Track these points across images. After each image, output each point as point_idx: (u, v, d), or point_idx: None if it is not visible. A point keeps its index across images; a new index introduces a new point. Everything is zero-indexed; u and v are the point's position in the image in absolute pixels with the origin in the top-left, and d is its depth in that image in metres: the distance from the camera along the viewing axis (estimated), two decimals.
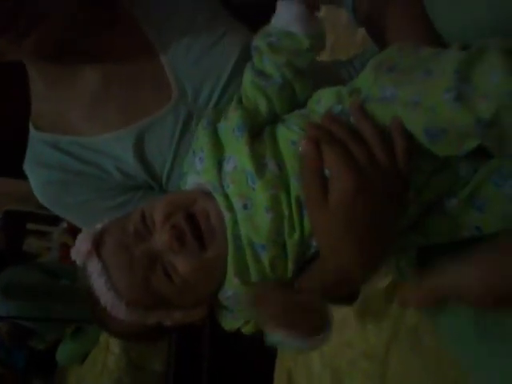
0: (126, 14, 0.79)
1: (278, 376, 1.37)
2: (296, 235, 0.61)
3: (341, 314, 1.06)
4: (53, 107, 0.80)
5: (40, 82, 0.81)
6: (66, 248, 3.62)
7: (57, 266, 3.02)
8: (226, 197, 0.62)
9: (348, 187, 0.54)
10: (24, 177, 0.84)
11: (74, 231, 3.52)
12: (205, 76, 0.76)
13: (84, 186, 0.78)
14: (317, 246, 0.62)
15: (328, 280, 0.64)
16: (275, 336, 0.59)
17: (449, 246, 0.66)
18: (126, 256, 0.62)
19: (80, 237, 0.65)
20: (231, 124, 0.66)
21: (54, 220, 3.64)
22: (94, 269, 0.62)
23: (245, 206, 0.61)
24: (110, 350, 2.54)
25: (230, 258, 0.61)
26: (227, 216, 0.61)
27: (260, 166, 0.61)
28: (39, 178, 0.81)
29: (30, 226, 3.89)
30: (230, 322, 0.68)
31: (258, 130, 0.66)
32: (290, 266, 0.62)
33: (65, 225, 3.60)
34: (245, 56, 0.77)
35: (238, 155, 0.63)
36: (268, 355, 1.39)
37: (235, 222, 0.61)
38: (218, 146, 0.66)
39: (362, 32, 0.97)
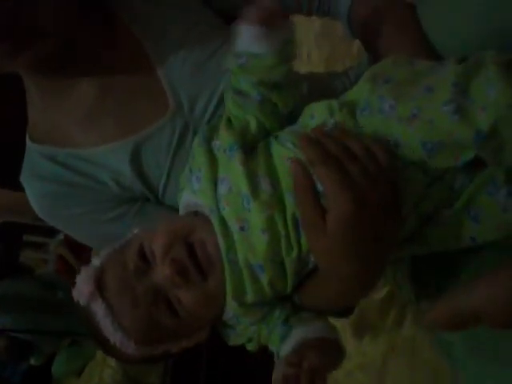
0: (123, 27, 0.79)
1: None
2: (294, 253, 0.60)
3: (337, 327, 1.05)
4: (49, 119, 0.80)
5: (36, 94, 0.81)
6: (62, 260, 3.61)
7: (53, 278, 3.01)
8: (222, 220, 0.62)
9: (346, 208, 0.53)
10: (20, 188, 0.84)
11: (70, 243, 3.51)
12: (201, 87, 0.76)
13: (81, 198, 0.78)
14: (315, 261, 0.62)
15: (329, 295, 0.64)
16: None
17: (442, 255, 0.66)
18: (130, 295, 0.61)
19: (80, 277, 0.64)
20: (223, 144, 0.66)
21: (51, 232, 3.63)
22: (98, 309, 0.62)
23: (242, 228, 0.61)
24: (106, 364, 2.52)
25: (227, 283, 0.61)
26: (221, 241, 0.61)
27: (254, 187, 0.61)
28: (36, 190, 0.81)
29: (27, 237, 3.88)
30: (233, 339, 0.68)
31: (251, 148, 0.66)
32: (289, 282, 0.62)
33: (61, 236, 3.59)
34: None
35: (232, 176, 0.63)
36: (265, 368, 1.38)
37: (230, 247, 0.61)
38: (214, 165, 0.65)
39: (357, 43, 0.98)
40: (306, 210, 0.57)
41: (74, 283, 0.65)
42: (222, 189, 0.63)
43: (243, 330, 0.66)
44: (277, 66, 0.67)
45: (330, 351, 0.61)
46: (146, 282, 0.61)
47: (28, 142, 0.81)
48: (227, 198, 0.62)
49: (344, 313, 0.74)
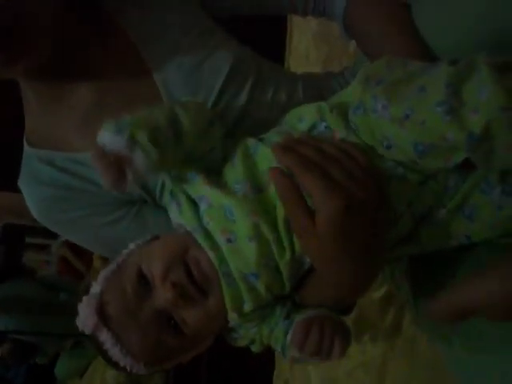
0: (119, 31, 0.79)
1: None
2: (287, 255, 0.60)
3: None
4: (46, 123, 0.81)
5: (33, 99, 0.82)
6: (64, 261, 3.62)
7: (55, 280, 3.01)
8: (208, 235, 0.62)
9: (333, 209, 0.54)
10: (19, 190, 0.84)
11: (72, 244, 3.52)
12: (196, 91, 0.76)
13: (79, 201, 0.79)
14: (310, 261, 0.62)
15: (327, 294, 0.64)
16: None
17: (439, 253, 0.66)
18: (133, 321, 0.62)
19: (82, 307, 0.64)
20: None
21: (53, 233, 3.62)
22: (105, 339, 0.62)
23: (229, 240, 0.61)
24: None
25: (225, 295, 0.61)
26: (212, 255, 0.61)
27: (233, 196, 0.61)
28: (34, 194, 0.81)
29: (29, 239, 3.89)
30: (238, 342, 0.68)
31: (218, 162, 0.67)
32: (287, 284, 0.63)
33: (63, 238, 3.60)
34: (235, 70, 0.77)
35: (207, 193, 0.63)
36: (266, 368, 1.39)
37: (222, 260, 0.61)
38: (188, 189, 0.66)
39: (354, 44, 0.99)
40: (294, 214, 0.57)
41: (76, 284, 0.66)
42: (203, 206, 0.63)
43: (245, 333, 0.66)
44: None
45: (336, 325, 0.63)
46: (147, 307, 0.62)
47: (26, 146, 0.81)
48: (209, 213, 0.62)
49: (344, 311, 0.74)
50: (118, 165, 0.59)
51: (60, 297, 2.74)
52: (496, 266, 0.52)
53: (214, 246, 0.61)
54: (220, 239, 0.61)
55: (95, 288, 0.65)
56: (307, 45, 1.65)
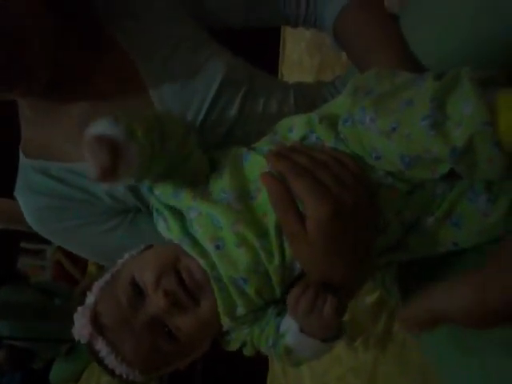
0: (115, 46, 0.80)
1: None
2: (276, 260, 0.62)
3: None
4: (42, 134, 0.81)
5: (29, 112, 0.83)
6: (59, 266, 3.61)
7: (50, 285, 3.00)
8: (196, 244, 0.63)
9: (323, 214, 0.56)
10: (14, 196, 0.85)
11: (67, 250, 3.51)
12: (189, 101, 0.77)
13: (75, 211, 0.80)
14: (301, 267, 0.63)
15: None
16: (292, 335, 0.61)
17: (427, 259, 0.68)
18: (128, 329, 0.63)
19: (78, 317, 0.65)
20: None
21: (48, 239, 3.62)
22: (100, 347, 0.63)
23: (217, 247, 0.62)
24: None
25: (217, 300, 0.63)
26: (202, 262, 0.62)
27: (218, 205, 0.63)
28: (30, 204, 0.82)
29: (24, 244, 3.87)
30: (230, 344, 0.69)
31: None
32: (277, 289, 0.64)
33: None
34: (227, 81, 0.78)
35: (193, 205, 0.65)
36: (259, 373, 1.40)
37: (212, 265, 0.62)
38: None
39: None
40: (285, 219, 0.59)
41: (71, 290, 0.66)
42: (192, 215, 0.65)
43: (237, 335, 0.67)
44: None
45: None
46: (141, 315, 0.63)
47: (21, 156, 0.82)
48: (198, 221, 0.64)
49: None
50: (111, 153, 0.56)
51: (55, 302, 2.73)
52: (467, 274, 0.53)
53: (203, 253, 0.63)
54: (209, 246, 0.62)
55: (90, 298, 0.66)
56: (300, 53, 1.66)
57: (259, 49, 1.45)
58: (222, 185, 0.64)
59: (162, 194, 0.68)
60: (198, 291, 0.62)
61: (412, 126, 0.54)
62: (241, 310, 0.63)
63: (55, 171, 0.79)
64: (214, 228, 0.63)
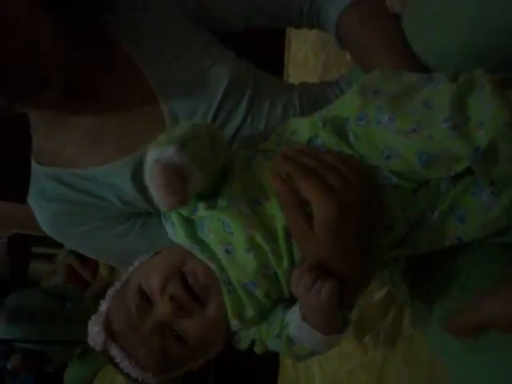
0: (121, 52, 0.81)
1: None
2: (285, 263, 0.63)
3: None
4: (52, 141, 0.83)
5: (39, 119, 0.84)
6: (70, 270, 3.64)
7: (61, 289, 3.03)
8: (206, 248, 0.64)
9: (330, 213, 0.57)
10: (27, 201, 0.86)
11: (78, 253, 3.53)
12: (196, 105, 0.78)
13: (87, 216, 0.81)
14: None
15: None
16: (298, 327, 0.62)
17: (434, 254, 0.68)
18: (138, 336, 0.64)
19: (92, 325, 0.67)
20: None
21: (59, 243, 3.64)
22: (115, 353, 0.65)
23: (227, 251, 0.63)
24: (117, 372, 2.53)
25: (226, 303, 0.64)
26: (212, 266, 0.64)
27: (229, 211, 0.63)
28: (44, 210, 0.83)
29: (35, 249, 3.91)
30: (240, 343, 0.69)
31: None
32: (286, 290, 0.65)
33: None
34: (233, 85, 0.80)
35: (207, 213, 0.65)
36: (270, 371, 1.40)
37: (222, 269, 0.63)
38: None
39: None
40: (293, 219, 0.60)
41: (83, 293, 0.67)
42: (204, 220, 0.65)
43: (246, 334, 0.68)
44: None
45: None
46: (150, 321, 0.64)
47: (33, 164, 0.84)
48: (210, 226, 0.65)
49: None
50: (181, 183, 0.58)
51: (66, 306, 2.75)
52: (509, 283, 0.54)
53: (213, 257, 0.64)
54: (219, 250, 0.64)
55: (103, 306, 0.68)
56: (306, 54, 1.67)
57: (265, 49, 1.46)
58: (231, 190, 0.65)
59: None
60: (203, 294, 0.64)
61: (434, 127, 0.56)
62: (249, 312, 0.64)
63: (67, 177, 0.80)
64: (224, 233, 0.64)
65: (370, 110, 0.61)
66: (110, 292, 0.70)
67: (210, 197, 0.66)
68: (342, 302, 0.59)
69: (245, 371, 1.77)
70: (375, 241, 0.62)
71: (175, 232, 0.68)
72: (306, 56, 1.68)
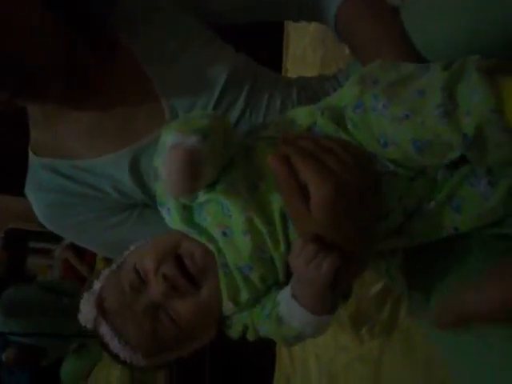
0: (121, 47, 0.82)
1: (277, 383, 1.39)
2: (282, 247, 0.63)
3: (336, 320, 1.08)
4: (50, 133, 0.83)
5: (38, 112, 0.84)
6: (67, 265, 3.64)
7: (58, 284, 3.03)
8: (203, 232, 0.65)
9: (327, 194, 0.58)
10: (25, 194, 0.86)
11: (75, 247, 3.53)
12: (195, 99, 0.79)
13: (84, 206, 0.82)
14: None
15: None
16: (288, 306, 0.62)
17: (431, 246, 0.69)
18: (130, 314, 0.65)
19: (83, 303, 0.68)
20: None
21: (56, 238, 3.65)
22: (105, 331, 0.65)
23: (224, 234, 0.64)
24: (113, 366, 2.54)
25: (221, 286, 0.64)
26: (211, 246, 0.64)
27: (228, 194, 0.64)
28: (41, 201, 0.83)
29: (32, 244, 3.91)
30: (232, 329, 0.69)
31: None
32: (281, 274, 0.65)
33: (66, 242, 3.61)
34: (232, 78, 0.80)
35: (207, 196, 0.66)
36: (267, 365, 1.41)
37: (219, 251, 0.64)
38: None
39: None
40: (290, 200, 0.61)
41: (79, 288, 0.68)
42: (201, 198, 0.66)
43: (239, 319, 0.68)
44: None
45: None
46: (143, 300, 0.64)
47: (31, 155, 0.84)
48: (208, 209, 0.65)
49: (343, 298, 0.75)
50: (195, 171, 0.59)
51: (63, 300, 2.76)
52: (495, 273, 0.55)
53: (211, 240, 0.64)
54: (216, 233, 0.64)
55: (96, 285, 0.69)
56: (304, 48, 1.67)
57: (263, 44, 1.46)
58: (231, 175, 0.65)
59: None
60: (199, 276, 0.64)
61: (425, 114, 0.56)
62: (244, 295, 0.65)
63: (64, 168, 0.81)
64: (223, 216, 0.64)
65: (367, 97, 0.61)
66: (105, 272, 0.70)
67: (210, 184, 0.66)
68: (335, 284, 0.59)
69: (241, 364, 1.78)
70: (371, 225, 0.63)
71: (171, 218, 0.69)
72: (304, 51, 1.68)
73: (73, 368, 2.82)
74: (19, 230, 3.76)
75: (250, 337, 0.68)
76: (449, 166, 0.63)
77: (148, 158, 0.78)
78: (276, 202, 0.63)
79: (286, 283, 0.65)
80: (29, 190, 0.84)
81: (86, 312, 0.67)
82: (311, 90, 0.89)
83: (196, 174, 0.59)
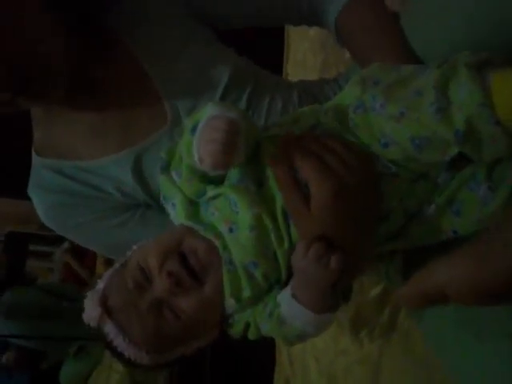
0: (122, 46, 0.82)
1: None
2: (285, 244, 0.63)
3: (336, 323, 1.08)
4: (54, 134, 0.84)
5: (41, 113, 0.85)
6: (68, 268, 3.64)
7: (58, 287, 3.03)
8: (210, 227, 0.65)
9: (328, 193, 0.58)
10: (26, 197, 0.87)
11: (76, 251, 3.54)
12: (197, 99, 0.79)
13: (87, 207, 0.82)
14: None
15: None
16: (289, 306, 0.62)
17: (431, 249, 0.69)
18: (134, 312, 0.65)
19: (87, 301, 0.68)
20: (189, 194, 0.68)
21: (56, 241, 3.65)
22: (109, 330, 0.65)
23: (230, 230, 0.64)
24: (113, 369, 2.54)
25: (224, 282, 0.64)
26: (217, 243, 0.64)
27: (237, 189, 0.64)
28: (44, 202, 0.84)
29: (32, 247, 3.91)
30: (234, 327, 0.69)
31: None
32: (283, 272, 0.65)
33: (66, 245, 3.62)
34: (234, 80, 0.81)
35: (215, 191, 0.66)
36: (266, 366, 1.41)
37: (224, 247, 0.64)
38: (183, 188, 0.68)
39: None
40: (290, 200, 0.61)
41: (80, 291, 0.68)
42: (211, 193, 0.66)
43: (240, 316, 0.68)
44: None
45: None
46: (147, 297, 0.65)
47: (34, 156, 0.85)
48: (215, 204, 0.66)
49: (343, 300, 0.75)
50: (235, 137, 0.58)
51: (63, 303, 2.76)
52: (468, 244, 0.54)
53: (217, 235, 0.65)
54: (223, 228, 0.65)
55: (99, 284, 0.69)
56: (304, 52, 1.68)
57: (264, 48, 1.47)
58: (238, 169, 0.65)
59: (190, 192, 0.68)
60: (202, 272, 0.64)
61: (421, 111, 0.57)
62: (246, 293, 0.65)
63: (67, 169, 0.81)
64: (230, 211, 0.64)
65: (366, 98, 0.62)
66: (108, 272, 0.70)
67: (219, 180, 0.67)
68: (335, 284, 0.59)
69: (241, 367, 1.78)
70: (371, 226, 0.63)
71: (176, 213, 0.69)
72: (304, 55, 1.69)
73: (72, 371, 2.81)
74: (19, 233, 3.77)
75: (252, 335, 0.68)
76: (450, 169, 0.63)
77: (150, 158, 0.79)
78: (279, 200, 0.64)
79: (287, 281, 0.65)
80: (32, 191, 0.85)
81: (90, 310, 0.67)
82: (312, 94, 0.90)
83: (234, 146, 0.58)
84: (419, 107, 0.57)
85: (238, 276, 0.64)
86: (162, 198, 0.72)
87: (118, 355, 0.66)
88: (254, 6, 0.90)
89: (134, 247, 0.72)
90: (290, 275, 0.65)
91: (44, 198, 0.84)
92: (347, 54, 1.39)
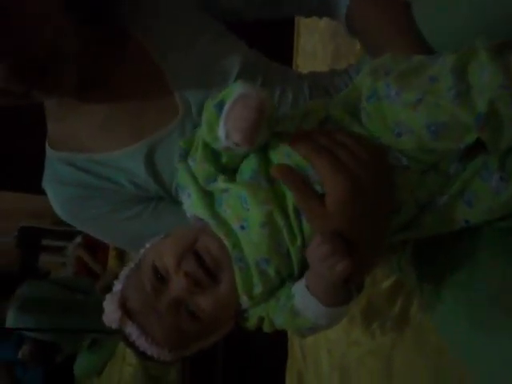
0: (134, 40, 0.83)
1: (289, 377, 1.40)
2: (298, 241, 0.64)
3: (348, 315, 1.08)
4: (67, 127, 0.85)
5: (54, 105, 0.86)
6: (80, 262, 3.68)
7: (71, 281, 3.06)
8: (223, 223, 0.65)
9: (342, 188, 0.58)
10: (39, 192, 0.88)
11: (88, 245, 3.57)
12: (207, 91, 0.79)
13: (101, 199, 0.83)
14: None
15: None
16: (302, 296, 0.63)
17: (441, 238, 0.69)
18: (155, 313, 0.66)
19: (107, 304, 0.68)
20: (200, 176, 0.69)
21: (69, 235, 3.69)
22: (131, 331, 0.66)
23: (242, 227, 0.64)
24: (126, 362, 2.57)
25: (237, 280, 0.65)
26: (226, 241, 0.65)
27: (248, 186, 0.64)
28: (58, 195, 0.85)
29: (45, 241, 3.95)
30: (249, 321, 0.70)
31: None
32: (296, 268, 0.66)
33: (79, 239, 3.65)
34: (244, 72, 0.81)
35: (226, 187, 0.66)
36: (279, 358, 1.42)
37: (235, 245, 0.64)
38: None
39: None
40: (303, 199, 0.61)
41: (93, 284, 0.68)
42: (223, 195, 0.66)
43: (254, 311, 0.69)
44: None
45: None
46: (165, 298, 0.65)
47: (48, 149, 0.86)
48: (228, 202, 0.66)
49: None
50: (264, 116, 0.59)
51: (77, 297, 2.78)
52: None
53: (229, 233, 0.65)
54: (235, 226, 0.65)
55: (117, 286, 0.70)
56: (314, 44, 1.67)
57: (274, 40, 1.47)
58: (250, 167, 0.66)
59: (202, 175, 0.69)
60: (217, 269, 0.65)
61: (439, 96, 0.57)
62: (258, 289, 0.65)
63: (80, 162, 0.82)
64: (241, 209, 0.64)
65: (380, 86, 0.62)
66: (124, 273, 0.71)
67: (230, 172, 0.67)
68: (348, 279, 0.59)
69: (253, 359, 1.79)
70: (386, 219, 0.63)
71: (192, 203, 0.69)
72: (314, 46, 1.68)
73: (86, 364, 2.85)
74: (32, 228, 3.80)
75: (266, 329, 0.69)
76: (462, 159, 0.63)
77: (162, 150, 0.79)
78: (290, 197, 0.63)
79: (300, 276, 0.65)
80: (46, 184, 0.86)
81: (111, 313, 0.67)
82: (322, 85, 0.90)
83: (261, 125, 0.59)
84: (437, 92, 0.57)
85: (249, 273, 0.65)
86: (176, 187, 0.73)
87: (141, 354, 0.68)
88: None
89: (147, 245, 0.72)
90: (302, 270, 0.65)
91: (59, 192, 0.84)
92: (357, 46, 1.39)
